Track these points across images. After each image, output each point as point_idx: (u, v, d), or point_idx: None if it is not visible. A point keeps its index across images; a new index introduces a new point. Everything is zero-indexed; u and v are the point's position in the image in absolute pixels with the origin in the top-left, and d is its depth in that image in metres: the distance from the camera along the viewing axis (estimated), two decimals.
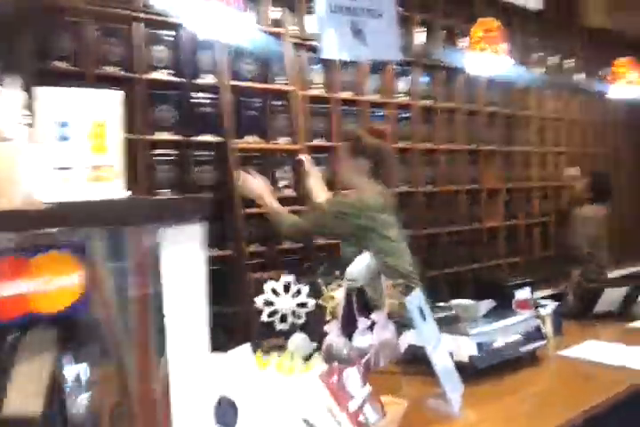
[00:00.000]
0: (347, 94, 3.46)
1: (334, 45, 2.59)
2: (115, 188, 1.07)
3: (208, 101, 2.94)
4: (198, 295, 1.03)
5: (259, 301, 1.76)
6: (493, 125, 4.41)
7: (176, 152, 2.89)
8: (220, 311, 2.89)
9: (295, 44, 3.19)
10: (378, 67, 3.51)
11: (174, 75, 2.89)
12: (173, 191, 2.85)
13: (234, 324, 2.85)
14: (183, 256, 1.01)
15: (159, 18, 2.79)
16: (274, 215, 2.60)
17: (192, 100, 2.92)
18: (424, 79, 3.90)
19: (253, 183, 2.68)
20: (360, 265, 1.77)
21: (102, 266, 0.96)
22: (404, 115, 3.79)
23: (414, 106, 3.84)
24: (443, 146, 4.02)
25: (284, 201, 3.11)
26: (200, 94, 2.94)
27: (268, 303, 1.76)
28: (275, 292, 1.77)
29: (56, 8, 2.53)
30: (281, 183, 3.19)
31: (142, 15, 2.76)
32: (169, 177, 2.86)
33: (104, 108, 1.07)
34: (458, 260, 4.08)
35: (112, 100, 1.09)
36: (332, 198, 2.73)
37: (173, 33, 2.87)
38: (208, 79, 2.92)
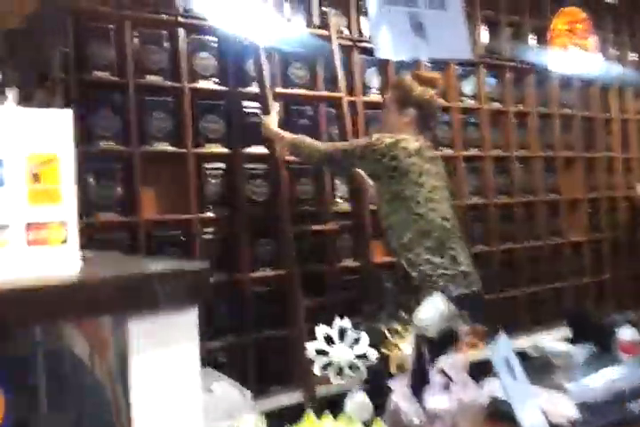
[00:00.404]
0: None
1: (390, 43, 2.33)
2: (65, 254, 0.74)
3: (258, 111, 2.74)
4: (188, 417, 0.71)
5: (310, 348, 1.48)
6: (570, 129, 4.02)
7: (225, 166, 2.70)
8: (271, 336, 2.65)
9: (347, 46, 2.97)
10: (439, 67, 3.23)
11: (221, 83, 2.71)
12: (223, 207, 2.65)
13: (284, 349, 2.60)
14: (164, 361, 0.70)
15: (202, 23, 2.63)
16: (297, 144, 2.48)
17: (241, 110, 2.73)
18: (491, 80, 3.58)
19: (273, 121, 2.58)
20: (432, 310, 1.47)
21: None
22: (470, 120, 3.48)
23: (482, 110, 3.52)
24: (515, 153, 3.68)
25: (339, 216, 2.88)
26: (249, 103, 2.75)
27: (321, 352, 1.48)
28: (328, 340, 1.49)
29: (92, 14, 2.40)
30: (337, 195, 2.95)
31: (184, 20, 2.60)
32: (218, 192, 2.66)
33: (52, 136, 0.75)
34: (537, 278, 3.68)
35: (62, 124, 0.77)
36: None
37: (217, 39, 2.71)
38: (256, 87, 2.72)
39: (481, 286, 2.30)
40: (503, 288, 3.46)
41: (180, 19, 2.58)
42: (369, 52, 2.80)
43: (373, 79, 3.11)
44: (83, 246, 0.75)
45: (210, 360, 2.37)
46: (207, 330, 2.48)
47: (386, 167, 2.24)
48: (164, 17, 2.56)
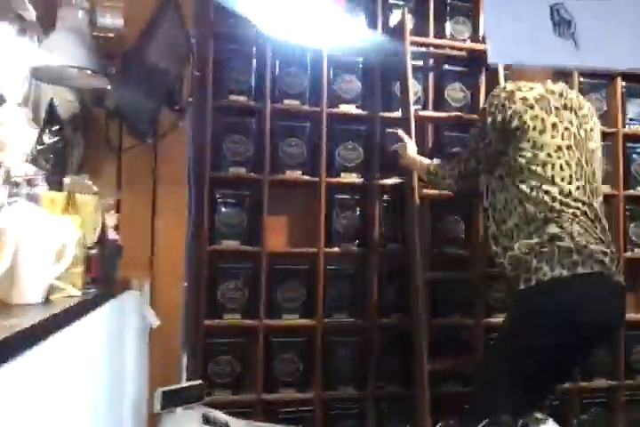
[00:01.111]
0: None
1: (512, 44, 1.60)
2: None
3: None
4: None
5: None
6: None
7: (359, 196, 2.49)
8: (395, 393, 2.38)
9: None
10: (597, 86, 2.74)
11: (361, 107, 2.51)
12: (353, 242, 2.44)
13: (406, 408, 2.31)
14: None
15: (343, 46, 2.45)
16: (436, 171, 2.04)
17: (379, 137, 2.50)
18: None
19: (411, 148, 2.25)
20: None
21: None
22: (637, 149, 2.88)
23: None
24: None
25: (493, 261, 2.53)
26: (390, 129, 2.51)
27: None
28: None
29: (229, 37, 2.34)
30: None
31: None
32: (349, 225, 2.46)
33: None
34: None
35: None
36: None
37: (361, 59, 2.52)
38: (398, 112, 2.48)
39: (616, 273, 1.69)
40: None
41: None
42: None
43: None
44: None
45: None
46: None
47: (506, 128, 1.74)
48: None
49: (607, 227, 1.78)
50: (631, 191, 2.77)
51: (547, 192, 1.68)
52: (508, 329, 1.76)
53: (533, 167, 1.69)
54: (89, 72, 1.64)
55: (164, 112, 1.97)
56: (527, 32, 1.52)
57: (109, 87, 1.66)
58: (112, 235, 1.52)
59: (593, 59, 1.66)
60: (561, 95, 1.79)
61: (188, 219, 2.10)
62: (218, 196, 2.32)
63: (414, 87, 2.50)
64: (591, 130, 1.83)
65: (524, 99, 1.72)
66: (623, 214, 2.73)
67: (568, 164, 1.71)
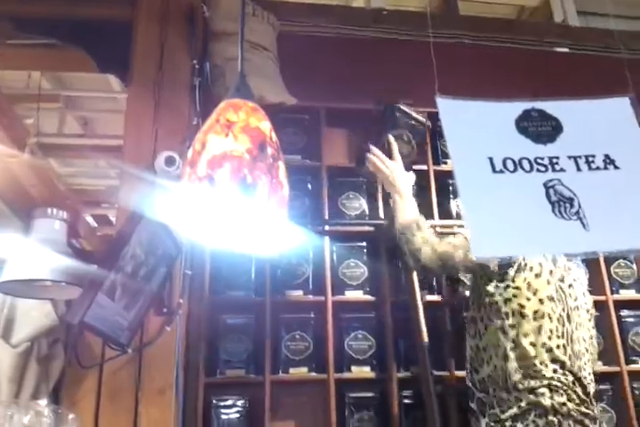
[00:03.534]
0: None
1: (500, 235, 1.27)
2: None
3: None
4: None
5: None
6: None
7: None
8: None
9: None
10: None
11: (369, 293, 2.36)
12: None
13: None
14: None
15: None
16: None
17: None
18: None
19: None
20: None
21: None
22: None
23: None
24: None
25: None
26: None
27: None
28: None
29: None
30: None
31: None
32: None
33: None
34: None
35: None
36: None
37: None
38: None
39: None
40: None
41: None
42: None
43: None
44: None
45: None
46: None
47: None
48: None
49: None
50: None
51: None
52: None
53: None
54: (63, 284, 1.54)
55: (150, 316, 1.85)
56: (519, 218, 1.28)
57: (83, 299, 1.54)
58: None
59: (608, 240, 1.33)
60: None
61: None
62: (213, 403, 2.07)
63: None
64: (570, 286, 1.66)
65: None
66: None
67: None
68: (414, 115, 2.21)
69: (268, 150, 1.03)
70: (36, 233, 1.56)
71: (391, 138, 1.82)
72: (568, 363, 1.52)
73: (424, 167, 2.54)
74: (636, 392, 2.39)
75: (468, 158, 1.29)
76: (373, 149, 1.81)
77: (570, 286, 1.64)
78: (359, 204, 2.49)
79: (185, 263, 1.97)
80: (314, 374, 2.19)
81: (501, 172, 1.29)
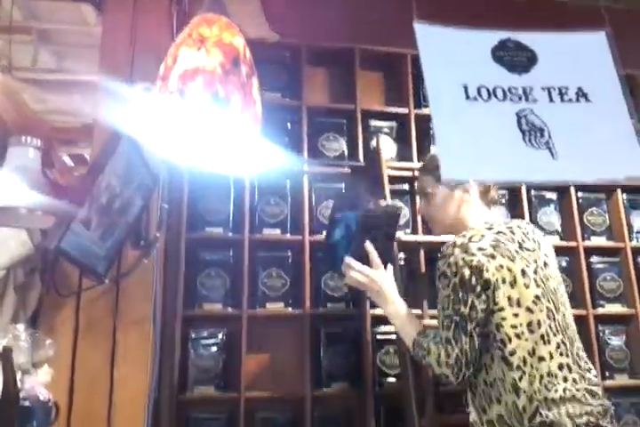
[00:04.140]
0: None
1: (470, 159, 1.29)
2: None
3: None
4: None
5: None
6: None
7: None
8: None
9: None
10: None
11: None
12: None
13: None
14: None
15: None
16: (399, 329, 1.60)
17: None
18: None
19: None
20: None
21: None
22: None
23: None
24: None
25: None
26: None
27: None
28: None
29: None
30: None
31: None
32: (340, 362, 2.22)
33: None
34: None
35: None
36: None
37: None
38: None
39: None
40: None
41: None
42: None
43: None
44: None
45: None
46: None
47: (474, 288, 1.43)
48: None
49: None
50: None
51: None
52: None
53: None
54: (38, 212, 1.54)
55: (128, 249, 1.86)
56: (490, 144, 1.30)
57: (58, 227, 1.54)
58: (42, 393, 1.32)
59: (575, 170, 1.37)
60: (512, 233, 1.56)
61: (153, 364, 1.88)
62: (191, 336, 2.12)
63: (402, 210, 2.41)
64: (545, 264, 1.57)
65: (481, 249, 1.47)
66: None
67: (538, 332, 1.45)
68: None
69: (241, 67, 1.02)
70: (10, 161, 1.54)
71: (368, 246, 1.60)
72: (570, 361, 1.45)
73: (405, 111, 2.54)
74: (601, 335, 2.49)
75: (442, 85, 1.29)
76: (349, 260, 1.59)
77: (545, 264, 1.56)
78: (339, 145, 2.49)
79: (162, 197, 1.96)
80: (290, 309, 2.23)
81: (475, 99, 1.30)
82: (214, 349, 2.13)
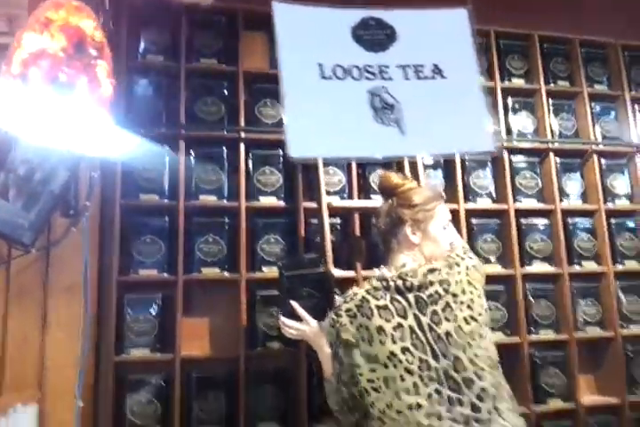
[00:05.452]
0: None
1: (319, 134, 1.34)
2: None
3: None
4: None
5: None
6: None
7: None
8: None
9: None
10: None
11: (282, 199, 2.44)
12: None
13: None
14: None
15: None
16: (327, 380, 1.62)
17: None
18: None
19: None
20: None
21: None
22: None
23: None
24: None
25: None
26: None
27: None
28: None
29: None
30: None
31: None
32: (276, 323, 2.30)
33: None
34: None
35: None
36: None
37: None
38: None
39: None
40: None
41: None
42: None
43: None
44: None
45: None
46: None
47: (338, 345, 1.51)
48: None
49: None
50: (576, 267, 2.68)
51: None
52: None
53: None
54: None
55: (57, 217, 1.89)
56: (340, 122, 1.32)
57: None
58: None
59: (423, 145, 1.41)
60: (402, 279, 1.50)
61: (84, 330, 1.94)
62: (126, 301, 2.18)
63: (337, 175, 2.47)
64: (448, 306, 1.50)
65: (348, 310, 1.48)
66: (570, 293, 2.63)
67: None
68: None
69: (88, 49, 1.03)
70: None
71: (295, 306, 1.72)
72: (443, 409, 1.40)
73: None
74: (528, 293, 2.63)
75: (297, 63, 1.31)
76: (282, 319, 1.73)
77: (447, 305, 1.48)
78: (276, 111, 2.50)
79: (92, 166, 1.98)
80: (226, 274, 2.30)
81: (330, 78, 1.32)
82: (150, 313, 2.19)
